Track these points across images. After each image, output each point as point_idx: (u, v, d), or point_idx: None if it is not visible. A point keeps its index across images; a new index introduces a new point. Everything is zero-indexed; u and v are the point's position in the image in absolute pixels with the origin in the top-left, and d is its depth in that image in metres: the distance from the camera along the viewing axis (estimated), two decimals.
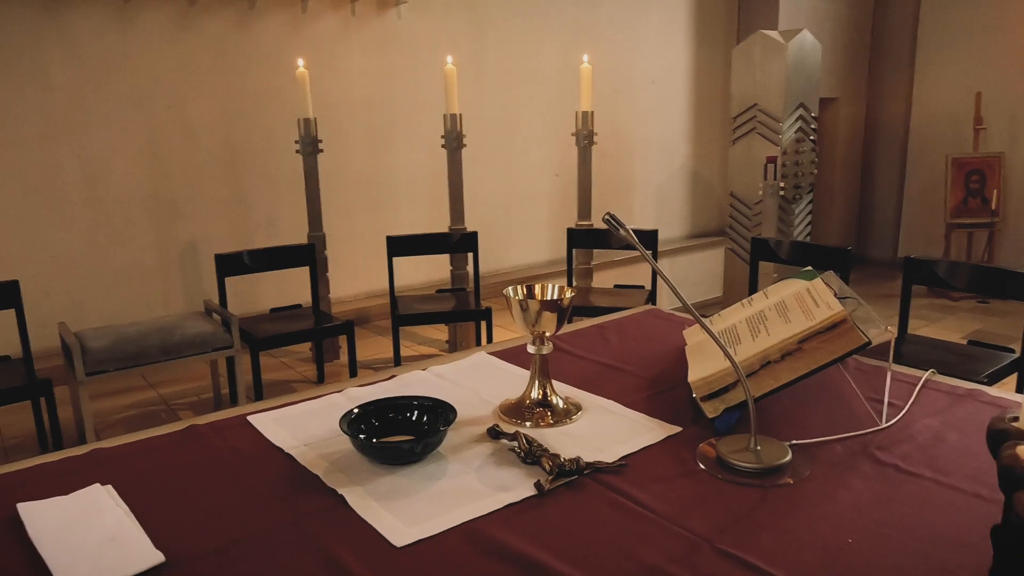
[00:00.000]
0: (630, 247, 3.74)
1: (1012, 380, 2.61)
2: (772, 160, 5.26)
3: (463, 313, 3.70)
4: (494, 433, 1.15)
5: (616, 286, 4.03)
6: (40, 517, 0.94)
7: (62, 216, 3.62)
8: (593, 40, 5.28)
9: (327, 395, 1.33)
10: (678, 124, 6.05)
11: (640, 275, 4.00)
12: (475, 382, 1.39)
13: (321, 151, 3.80)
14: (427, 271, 4.62)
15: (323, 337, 3.59)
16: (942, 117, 6.40)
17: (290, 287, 4.06)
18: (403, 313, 3.51)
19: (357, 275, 4.47)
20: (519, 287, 1.25)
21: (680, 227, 6.30)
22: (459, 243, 3.81)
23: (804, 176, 5.46)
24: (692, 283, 5.91)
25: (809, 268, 1.42)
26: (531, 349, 1.23)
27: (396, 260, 3.66)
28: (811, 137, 5.44)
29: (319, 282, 3.67)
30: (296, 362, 3.90)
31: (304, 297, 3.75)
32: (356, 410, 1.13)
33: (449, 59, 3.81)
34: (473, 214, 4.50)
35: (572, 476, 1.03)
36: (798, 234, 5.57)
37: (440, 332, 4.37)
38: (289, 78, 3.85)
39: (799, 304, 1.25)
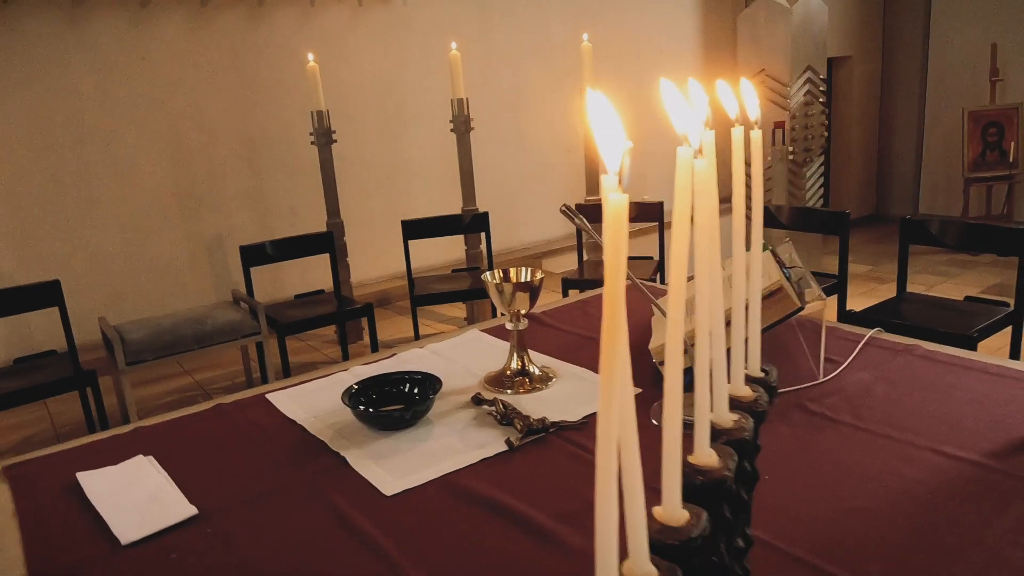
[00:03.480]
0: (638, 220, 3.87)
1: (1007, 333, 2.70)
2: (780, 125, 5.32)
3: (478, 291, 3.87)
4: (477, 400, 1.32)
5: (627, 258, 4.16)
6: (96, 483, 1.14)
7: (96, 216, 3.85)
8: (598, 13, 5.36)
9: (334, 373, 1.51)
10: None
11: (650, 246, 4.12)
12: (466, 357, 1.56)
13: (335, 141, 3.97)
14: (443, 252, 4.79)
15: (345, 320, 3.79)
16: (959, 69, 6.34)
17: (313, 273, 4.26)
18: (420, 293, 3.69)
19: (376, 259, 4.66)
20: (496, 272, 1.41)
21: None
22: (471, 224, 3.97)
23: (814, 139, 5.51)
24: None
25: (763, 242, 1.56)
26: (508, 326, 1.39)
27: (412, 242, 3.83)
28: (820, 99, 5.48)
29: (339, 267, 3.86)
30: (322, 344, 4.11)
31: (327, 282, 3.94)
32: (356, 386, 1.31)
33: (454, 45, 3.94)
34: (486, 194, 4.66)
35: (539, 434, 1.19)
36: (810, 197, 5.63)
37: (458, 310, 4.55)
38: (301, 70, 4.01)
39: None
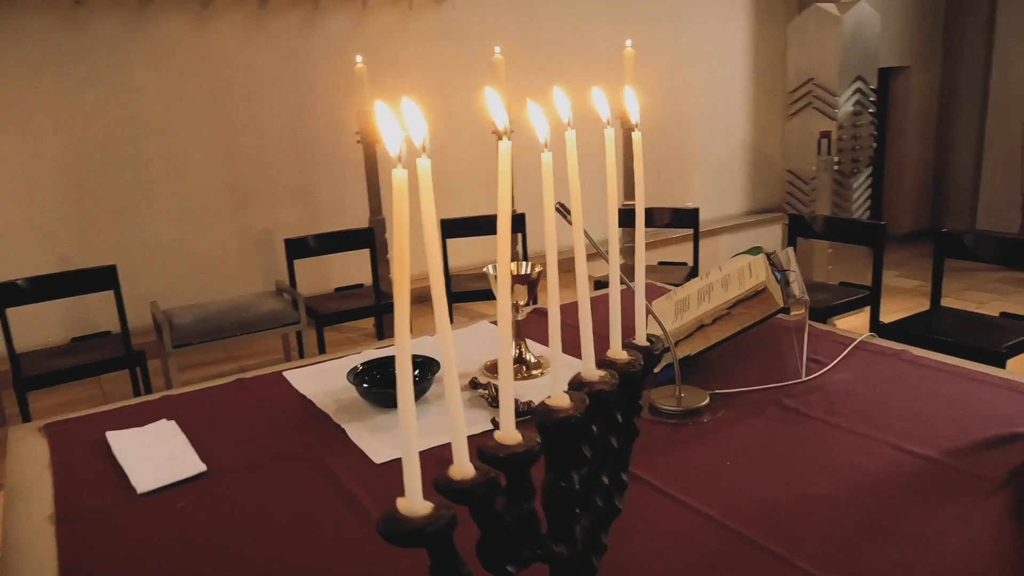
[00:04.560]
0: (674, 225, 3.91)
1: None
2: (826, 135, 5.27)
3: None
4: (473, 384, 1.40)
5: (660, 263, 4.20)
6: (122, 441, 1.26)
7: (152, 207, 4.07)
8: (646, 18, 5.40)
9: (347, 356, 1.62)
10: (737, 100, 6.09)
11: (685, 253, 4.15)
12: (471, 345, 1.65)
13: (379, 140, 4.11)
14: (481, 251, 4.88)
15: (382, 313, 3.92)
16: None
17: (354, 268, 4.41)
18: (456, 290, 3.80)
19: (416, 256, 4.78)
20: (495, 265, 1.49)
21: (740, 203, 6.35)
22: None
23: (863, 150, 5.44)
24: None
25: (758, 246, 1.61)
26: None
27: (451, 241, 3.94)
28: (870, 110, 5.41)
29: (379, 263, 4.00)
30: (360, 337, 4.26)
31: (367, 277, 4.08)
32: (360, 366, 1.41)
33: (497, 49, 4.05)
34: (525, 195, 4.74)
35: (525, 416, 1.27)
36: (856, 209, 5.56)
37: (492, 308, 4.64)
38: (351, 71, 4.17)
39: (739, 276, 1.45)
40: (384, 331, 4.08)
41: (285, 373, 1.55)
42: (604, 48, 5.26)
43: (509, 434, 0.56)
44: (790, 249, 1.64)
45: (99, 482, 1.15)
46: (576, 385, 0.62)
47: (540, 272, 1.47)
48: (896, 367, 1.40)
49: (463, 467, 0.53)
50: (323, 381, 1.49)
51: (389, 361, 1.44)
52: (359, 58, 3.96)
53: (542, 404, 0.59)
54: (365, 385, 1.37)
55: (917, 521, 0.93)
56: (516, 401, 1.30)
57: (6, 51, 3.70)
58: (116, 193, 4.00)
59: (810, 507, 0.98)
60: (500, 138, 0.59)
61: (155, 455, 1.21)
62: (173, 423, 1.33)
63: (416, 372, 1.43)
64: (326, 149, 4.46)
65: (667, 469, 1.09)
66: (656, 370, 1.40)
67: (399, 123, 0.51)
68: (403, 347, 0.48)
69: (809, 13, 5.20)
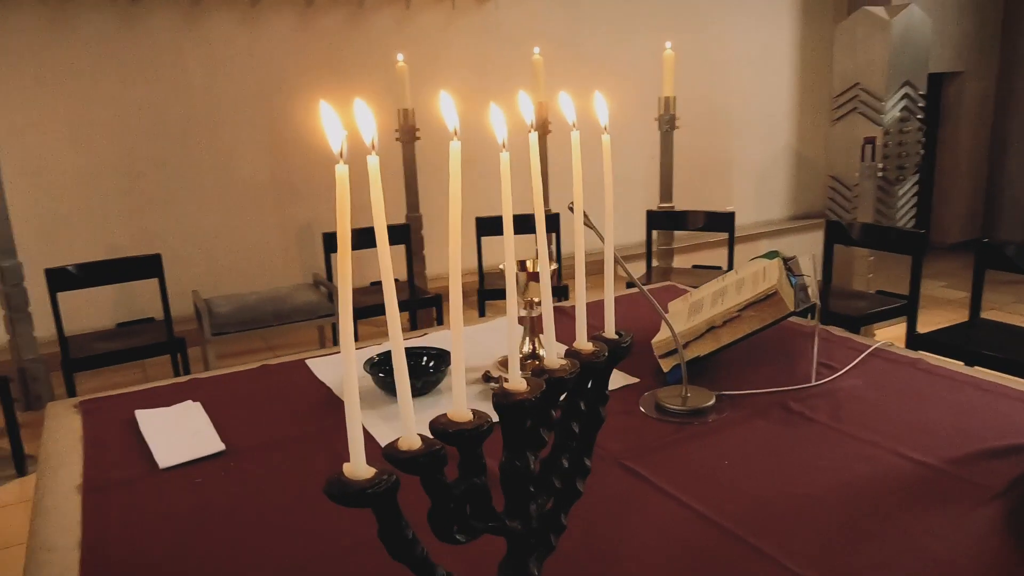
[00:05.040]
0: (708, 229, 3.90)
1: None
2: (870, 141, 5.17)
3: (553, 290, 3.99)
4: (487, 377, 1.44)
5: (694, 266, 4.19)
6: (149, 419, 1.33)
7: (199, 199, 4.20)
8: (690, 21, 5.38)
9: (368, 347, 1.67)
10: (781, 104, 6.02)
11: (720, 257, 4.12)
12: (490, 340, 1.69)
13: (418, 139, 4.18)
14: (517, 250, 4.93)
15: (415, 308, 3.99)
16: None
17: (394, 261, 4.49)
18: (488, 288, 3.85)
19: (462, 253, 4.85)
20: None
21: (781, 209, 6.28)
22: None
23: (909, 157, 5.33)
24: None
25: (775, 250, 1.61)
26: (522, 313, 1.51)
27: (486, 240, 3.98)
28: (918, 116, 5.29)
29: (414, 259, 4.07)
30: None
31: (404, 273, 4.16)
32: (377, 356, 1.46)
33: (536, 49, 4.08)
34: (562, 196, 4.76)
35: None
36: (901, 217, 5.45)
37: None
38: (394, 69, 4.24)
39: (753, 280, 1.46)
40: (417, 324, 4.15)
41: (307, 361, 1.61)
42: (646, 50, 5.25)
43: (460, 411, 0.59)
44: (811, 255, 1.63)
45: (125, 456, 1.22)
46: (538, 372, 0.66)
47: (554, 271, 1.50)
48: (909, 375, 1.40)
49: (410, 439, 0.57)
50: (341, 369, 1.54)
51: (406, 352, 1.49)
52: (400, 56, 4.03)
53: (500, 387, 0.62)
54: (381, 375, 1.42)
55: (903, 525, 0.94)
56: None
57: (67, 47, 3.87)
58: (165, 184, 4.14)
59: (799, 507, 0.99)
60: (452, 139, 0.63)
61: (178, 433, 1.27)
62: (198, 404, 1.40)
63: (431, 364, 1.47)
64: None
65: (664, 465, 1.11)
66: (665, 370, 1.42)
67: (366, 120, 0.55)
68: (346, 328, 0.52)
69: (857, 16, 5.12)
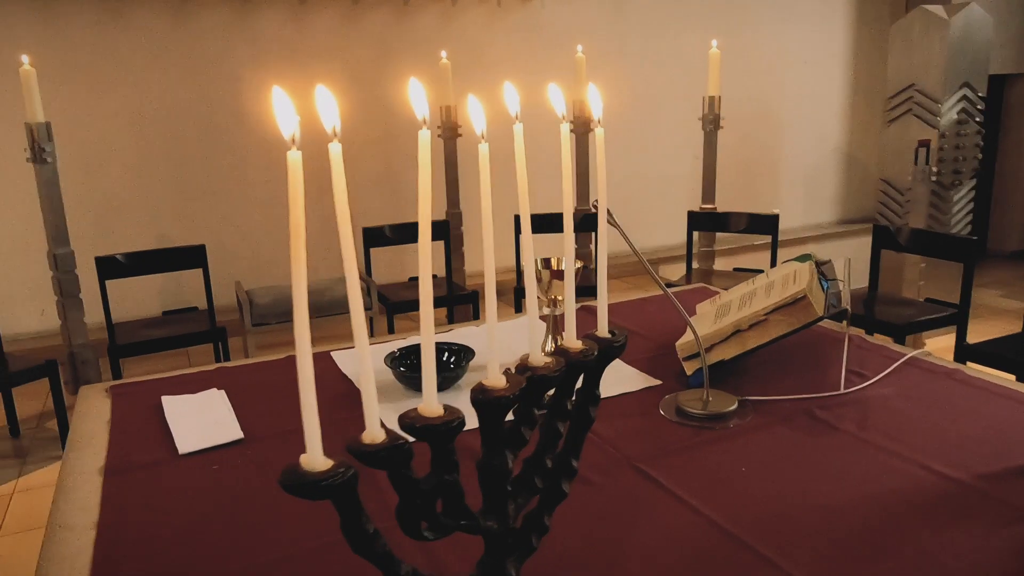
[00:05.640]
0: (751, 231, 3.83)
1: None
2: (924, 144, 5.01)
3: (582, 289, 3.96)
4: (507, 374, 1.43)
5: (736, 269, 4.11)
6: (173, 405, 1.36)
7: (245, 192, 4.28)
8: (738, 19, 5.28)
9: (393, 340, 1.68)
10: (832, 104, 5.88)
11: (763, 260, 4.04)
12: (514, 337, 1.68)
13: (460, 135, 4.19)
14: (555, 249, 4.91)
15: (453, 304, 4.00)
16: None
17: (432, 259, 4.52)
18: (523, 287, 3.84)
19: (498, 250, 4.86)
20: (537, 259, 1.52)
21: (830, 212, 6.13)
22: (582, 223, 4.06)
23: (966, 161, 5.15)
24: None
25: (807, 253, 1.57)
26: (545, 311, 1.49)
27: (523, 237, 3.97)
28: (976, 119, 5.11)
29: (453, 255, 4.08)
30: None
31: (443, 268, 4.18)
32: (398, 351, 1.47)
33: (579, 48, 4.05)
34: (609, 196, 4.73)
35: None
36: (956, 223, 5.27)
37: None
38: (437, 67, 4.27)
39: (783, 283, 1.42)
40: (454, 320, 4.16)
41: (332, 353, 1.62)
42: (692, 49, 5.18)
43: (430, 406, 0.58)
44: (846, 259, 1.59)
45: (149, 441, 1.25)
46: (521, 369, 0.64)
47: (579, 269, 1.48)
48: (945, 386, 1.34)
49: (374, 432, 0.56)
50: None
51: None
52: (444, 54, 4.05)
53: (479, 384, 0.61)
54: (402, 369, 1.42)
55: (923, 541, 0.90)
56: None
57: (122, 42, 3.98)
58: (213, 177, 4.24)
59: (816, 518, 0.96)
60: (421, 128, 0.62)
61: (200, 420, 1.30)
62: (223, 392, 1.42)
63: (452, 360, 1.47)
64: (410, 141, 4.58)
65: (679, 470, 1.09)
66: (688, 373, 1.39)
67: (328, 107, 0.54)
68: (300, 313, 0.51)
69: (914, 15, 4.96)
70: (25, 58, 3.14)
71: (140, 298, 4.09)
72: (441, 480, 0.59)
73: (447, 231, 3.97)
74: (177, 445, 1.21)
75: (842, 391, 1.32)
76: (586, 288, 3.89)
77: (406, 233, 3.90)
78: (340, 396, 1.41)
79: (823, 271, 1.46)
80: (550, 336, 1.51)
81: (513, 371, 1.40)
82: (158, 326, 3.44)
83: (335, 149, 0.56)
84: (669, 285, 3.66)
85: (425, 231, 0.61)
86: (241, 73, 4.18)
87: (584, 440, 0.74)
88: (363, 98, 4.43)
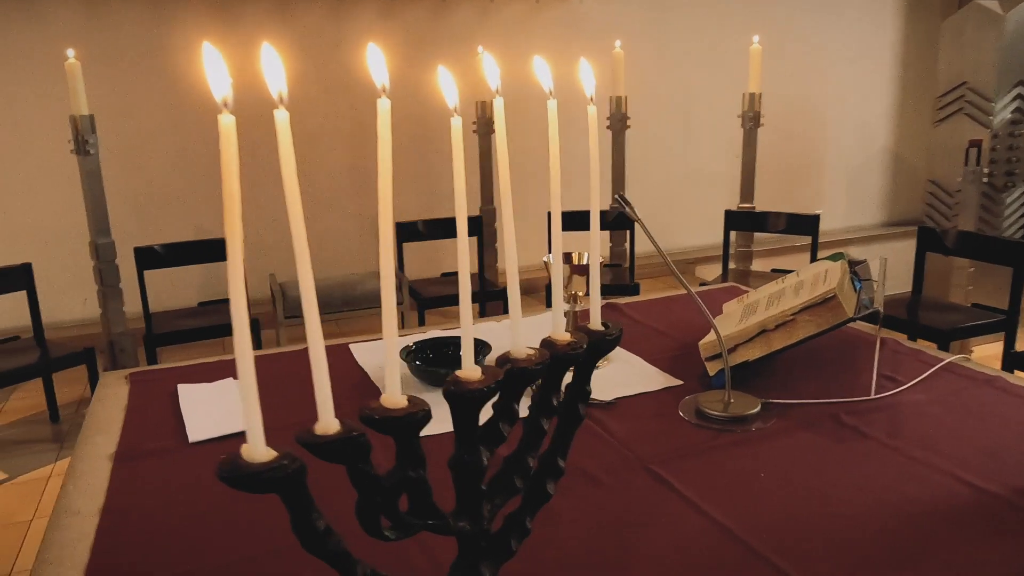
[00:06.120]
0: (790, 232, 3.73)
1: None
2: (976, 144, 4.84)
3: (615, 287, 3.92)
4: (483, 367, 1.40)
5: (773, 270, 4.01)
6: (189, 394, 1.36)
7: (281, 185, 4.32)
8: (782, 13, 5.17)
9: (412, 334, 1.66)
10: (879, 104, 5.72)
11: (803, 262, 3.94)
12: (538, 333, 1.64)
13: (494, 131, 4.17)
14: (587, 247, 4.87)
15: (484, 300, 3.98)
16: None
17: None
18: None
19: (526, 248, 4.83)
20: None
21: (875, 214, 5.97)
22: (616, 221, 4.01)
23: (1020, 163, 4.96)
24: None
25: (840, 252, 1.50)
26: (565, 307, 1.46)
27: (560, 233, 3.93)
28: None
29: (486, 252, 4.06)
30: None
31: (475, 265, 4.16)
32: (413, 345, 1.45)
33: (617, 43, 4.00)
34: (646, 194, 4.68)
35: None
36: (1008, 227, 5.08)
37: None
38: (474, 62, 4.25)
39: (813, 282, 1.36)
40: (486, 315, 4.15)
41: (351, 346, 1.61)
42: (735, 46, 5.07)
43: (394, 398, 0.56)
44: (883, 259, 1.52)
45: (161, 428, 1.25)
46: (501, 361, 0.61)
47: (600, 264, 1.45)
48: (983, 394, 1.27)
49: (327, 423, 0.54)
50: (382, 354, 1.53)
51: (443, 341, 1.47)
52: (480, 48, 4.03)
53: (453, 375, 0.59)
54: (417, 363, 1.41)
55: (949, 554, 0.85)
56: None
57: (164, 35, 4.05)
58: (251, 170, 4.28)
59: (834, 527, 0.91)
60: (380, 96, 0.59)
61: (213, 409, 1.29)
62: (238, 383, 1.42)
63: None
64: (444, 137, 4.58)
65: (694, 473, 1.04)
66: (711, 374, 1.34)
67: (271, 69, 0.52)
68: (237, 291, 0.49)
69: (967, 11, 4.79)
70: (71, 52, 3.21)
71: (179, 288, 4.16)
72: (405, 477, 0.56)
73: (480, 227, 3.96)
74: (188, 433, 1.21)
75: (872, 396, 1.26)
76: (611, 287, 3.84)
77: (439, 229, 3.90)
78: (355, 388, 1.40)
79: (856, 271, 1.40)
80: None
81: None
82: (194, 316, 3.48)
83: (281, 116, 0.53)
84: (703, 285, 3.59)
85: (460, 196, 0.58)
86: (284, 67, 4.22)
87: (572, 439, 0.71)
88: (398, 92, 4.44)
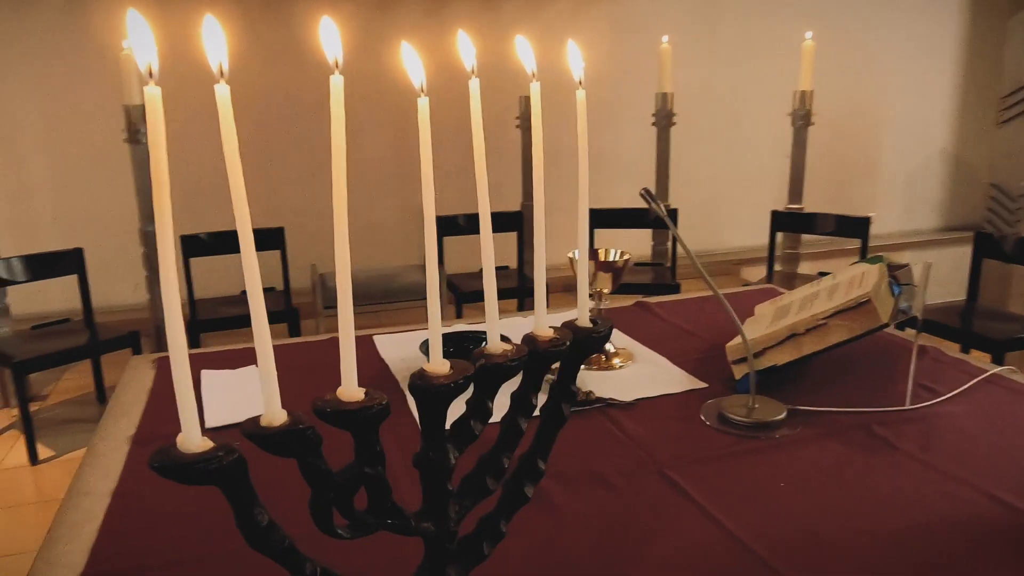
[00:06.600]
0: (838, 234, 3.62)
1: None
2: None
3: (655, 287, 3.85)
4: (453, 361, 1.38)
5: (820, 274, 3.90)
6: (211, 380, 1.37)
7: (327, 177, 4.37)
8: (836, 9, 5.01)
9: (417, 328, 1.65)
10: (939, 103, 5.51)
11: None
12: None
13: None
14: (630, 245, 4.79)
15: (524, 295, 3.96)
16: None
17: (506, 250, 4.49)
18: None
19: (571, 243, 4.79)
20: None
21: (932, 218, 5.76)
22: (658, 219, 3.94)
23: None
24: (937, 281, 5.37)
25: (879, 255, 1.44)
26: (590, 305, 1.43)
27: (601, 232, 3.89)
28: None
29: (525, 247, 4.04)
30: (500, 314, 4.33)
31: (515, 259, 4.14)
32: None
33: (665, 38, 3.93)
34: (691, 192, 4.59)
35: (583, 406, 1.23)
36: None
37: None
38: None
39: (848, 285, 1.31)
40: (524, 310, 4.13)
41: (374, 337, 1.61)
42: (788, 42, 4.94)
43: (349, 390, 0.54)
44: (927, 264, 1.45)
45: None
46: (475, 356, 0.59)
47: (627, 260, 1.41)
48: None
49: (273, 413, 0.52)
50: (406, 348, 1.53)
51: (464, 336, 1.45)
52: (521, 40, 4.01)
53: (420, 369, 0.56)
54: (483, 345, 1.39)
55: (971, 570, 0.79)
56: (578, 390, 1.26)
57: (187, 36, 4.12)
58: (296, 162, 4.34)
59: (855, 544, 0.86)
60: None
61: (233, 396, 1.30)
62: None
63: (473, 349, 1.43)
64: (488, 132, 4.56)
65: (710, 480, 1.01)
66: (737, 377, 1.30)
67: (213, 40, 0.50)
68: (168, 278, 0.47)
69: None
70: (126, 43, 3.28)
71: (224, 276, 4.23)
72: (360, 473, 0.54)
73: (521, 222, 3.94)
74: (204, 419, 1.22)
75: (907, 407, 1.20)
76: (651, 286, 3.77)
77: (477, 224, 3.87)
78: (374, 380, 1.39)
79: (896, 275, 1.34)
80: None
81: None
82: (236, 304, 3.54)
83: (222, 91, 0.51)
84: (746, 286, 3.50)
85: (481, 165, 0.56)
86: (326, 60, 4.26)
87: (555, 440, 0.68)
88: (445, 86, 4.44)
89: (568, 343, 0.63)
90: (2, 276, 3.07)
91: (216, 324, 3.38)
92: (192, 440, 0.50)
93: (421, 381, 0.55)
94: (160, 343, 3.82)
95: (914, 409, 1.20)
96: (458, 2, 4.38)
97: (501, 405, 0.67)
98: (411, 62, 0.61)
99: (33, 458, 2.94)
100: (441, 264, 3.80)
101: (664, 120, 4.03)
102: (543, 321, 0.64)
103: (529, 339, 0.63)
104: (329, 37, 0.54)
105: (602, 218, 3.86)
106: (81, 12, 4.01)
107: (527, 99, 4.06)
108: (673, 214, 3.88)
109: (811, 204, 4.15)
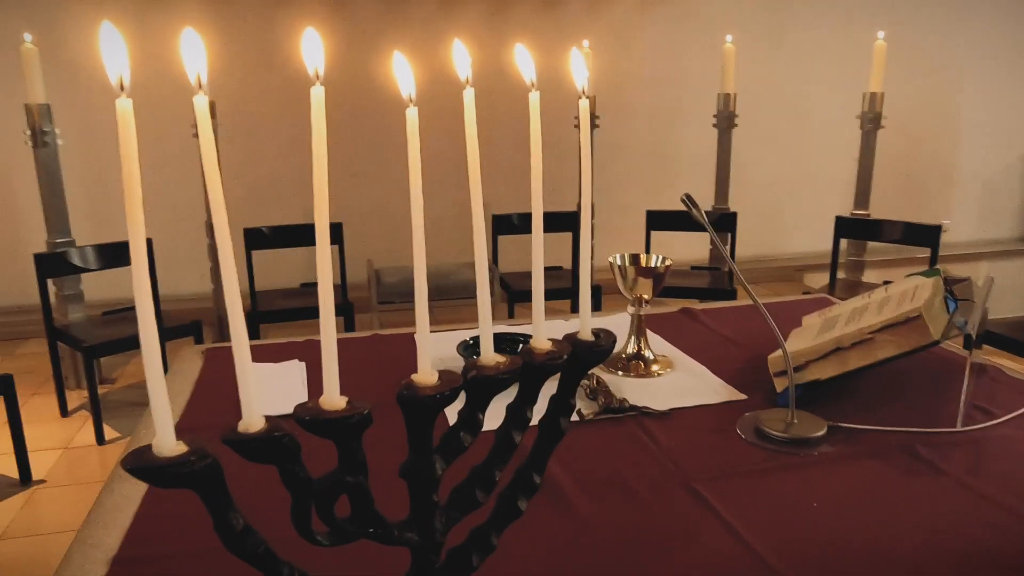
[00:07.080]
0: (906, 242, 3.48)
1: None
2: None
3: (712, 291, 3.78)
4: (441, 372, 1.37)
5: (885, 283, 3.76)
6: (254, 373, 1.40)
7: (384, 174, 4.43)
8: (910, 7, 4.82)
9: (474, 328, 1.65)
10: (1021, 106, 5.24)
11: None
12: None
13: (598, 127, 4.11)
14: (688, 247, 4.71)
15: (576, 297, 3.94)
16: None
17: (561, 250, 4.48)
18: None
19: (628, 244, 4.74)
20: (624, 255, 1.43)
21: (1013, 227, 5.49)
22: (717, 223, 3.87)
23: None
24: (1018, 292, 5.13)
25: (937, 268, 1.37)
26: (630, 310, 1.41)
27: (657, 234, 3.84)
28: None
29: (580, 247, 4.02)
30: (552, 315, 4.32)
31: (569, 260, 4.13)
32: (471, 339, 1.44)
33: (729, 38, 3.85)
34: (754, 196, 4.48)
35: (615, 414, 1.21)
36: None
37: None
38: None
39: (899, 299, 1.25)
40: (576, 311, 4.11)
41: (416, 336, 1.62)
42: (860, 41, 4.78)
43: (331, 399, 0.54)
44: (988, 278, 1.38)
45: (222, 404, 1.29)
46: (466, 368, 0.58)
47: (668, 266, 1.39)
48: None
49: (251, 420, 0.53)
50: (445, 347, 1.53)
51: (501, 337, 1.45)
52: (586, 43, 3.99)
53: (408, 379, 0.56)
54: (475, 357, 1.39)
55: None
56: (613, 397, 1.24)
57: (284, 30, 4.23)
58: (358, 158, 4.42)
59: (888, 571, 0.83)
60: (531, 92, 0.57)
61: (272, 389, 1.33)
62: (302, 365, 1.45)
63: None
64: (547, 131, 4.55)
65: (738, 495, 0.98)
66: (778, 390, 1.26)
67: (191, 55, 0.50)
68: (140, 268, 0.48)
69: None
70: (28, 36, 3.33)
71: (285, 269, 4.34)
72: (341, 481, 0.54)
73: (576, 223, 3.91)
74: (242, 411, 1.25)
75: (957, 428, 1.15)
76: (707, 290, 3.70)
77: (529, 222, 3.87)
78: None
79: (952, 290, 1.28)
80: (632, 337, 1.43)
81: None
82: (295, 296, 3.63)
83: (200, 102, 0.52)
84: (806, 294, 3.41)
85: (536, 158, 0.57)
86: (390, 59, 4.32)
87: (551, 455, 0.67)
88: (506, 87, 4.45)
89: (565, 357, 0.62)
90: (76, 263, 3.21)
91: (275, 316, 3.47)
92: (166, 444, 0.51)
93: (407, 391, 0.55)
94: (222, 332, 3.95)
95: (965, 431, 1.14)
96: (521, 4, 4.39)
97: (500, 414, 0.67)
98: (460, 59, 0.61)
99: (100, 438, 3.07)
100: (495, 263, 3.81)
101: (725, 121, 3.94)
102: (541, 332, 0.64)
103: (527, 352, 0.62)
104: (310, 49, 0.54)
105: (658, 220, 3.81)
106: (159, 7, 4.16)
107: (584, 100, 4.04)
108: (732, 217, 3.80)
109: (882, 210, 4.00)
